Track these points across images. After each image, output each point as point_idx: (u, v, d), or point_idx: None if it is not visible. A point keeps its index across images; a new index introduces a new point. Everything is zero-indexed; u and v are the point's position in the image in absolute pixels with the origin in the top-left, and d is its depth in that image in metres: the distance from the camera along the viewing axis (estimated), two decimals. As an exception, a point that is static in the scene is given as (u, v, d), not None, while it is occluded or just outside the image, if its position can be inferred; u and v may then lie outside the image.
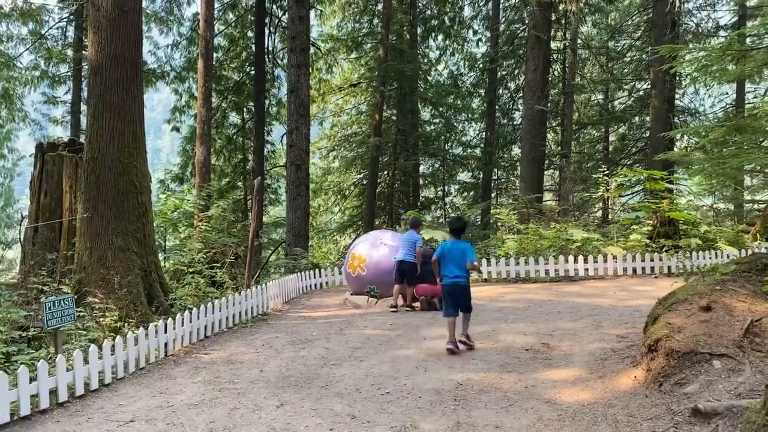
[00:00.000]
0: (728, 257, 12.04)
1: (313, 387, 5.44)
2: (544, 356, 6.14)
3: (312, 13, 22.44)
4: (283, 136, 21.53)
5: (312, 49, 20.61)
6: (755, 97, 23.11)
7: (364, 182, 25.02)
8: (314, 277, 12.25)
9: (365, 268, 9.73)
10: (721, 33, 23.53)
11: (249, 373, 5.97)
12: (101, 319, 6.94)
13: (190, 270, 9.88)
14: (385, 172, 25.21)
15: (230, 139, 24.89)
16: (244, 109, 25.02)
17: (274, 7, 23.63)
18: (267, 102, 23.90)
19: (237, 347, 7.10)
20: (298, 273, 11.87)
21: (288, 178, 17.21)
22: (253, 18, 22.90)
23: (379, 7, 24.93)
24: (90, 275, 7.72)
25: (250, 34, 23.86)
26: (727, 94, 25.10)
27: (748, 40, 10.98)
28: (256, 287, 9.22)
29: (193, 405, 5.05)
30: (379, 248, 9.82)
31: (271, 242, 22.64)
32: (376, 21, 25.63)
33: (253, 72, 23.13)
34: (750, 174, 18.12)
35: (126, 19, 8.10)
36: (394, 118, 25.19)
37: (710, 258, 12.30)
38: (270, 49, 23.29)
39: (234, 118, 25.55)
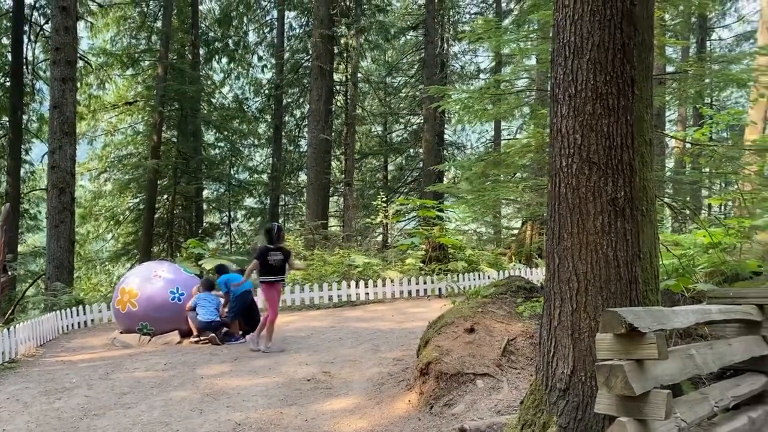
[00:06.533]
0: (489, 278, 13.31)
1: (68, 444, 4.80)
2: (326, 386, 6.14)
3: (82, 24, 20.58)
4: (44, 155, 19.22)
5: (81, 63, 18.87)
6: (509, 135, 26.20)
7: (141, 207, 23.38)
8: (77, 315, 10.97)
9: (136, 304, 8.94)
10: (482, 76, 26.44)
11: (-14, 434, 5.09)
12: None
13: None
14: (165, 197, 23.82)
15: (-21, 158, 21.61)
16: (-2, 124, 21.94)
17: (36, 14, 21.19)
18: (26, 117, 21.23)
19: (-27, 404, 6.02)
20: (58, 311, 10.54)
21: (49, 203, 15.36)
22: (9, 24, 20.29)
23: (159, 24, 23.72)
24: None
25: (5, 41, 21.09)
26: (487, 131, 28.17)
27: (502, 84, 12.41)
28: (1, 330, 7.97)
29: None
30: (153, 281, 9.11)
31: (30, 275, 20.01)
32: (155, 38, 24.31)
33: (8, 84, 20.42)
34: (506, 203, 20.40)
35: None
36: (174, 139, 23.99)
37: (474, 279, 13.50)
38: (30, 59, 20.80)
39: (-16, 134, 22.24)
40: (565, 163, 3.58)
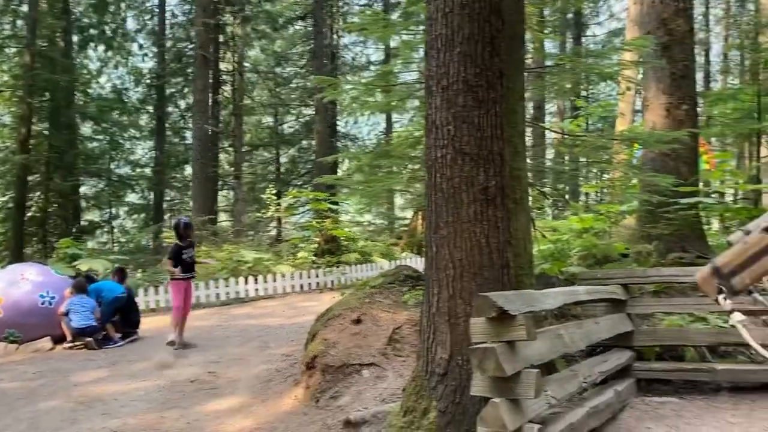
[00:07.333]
0: (381, 269, 13.44)
1: None
2: (210, 386, 5.94)
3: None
4: None
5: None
6: (401, 126, 26.54)
7: (10, 205, 21.61)
8: (-66, 325, 9.97)
9: (1, 310, 8.25)
10: (372, 67, 26.55)
11: None
12: None
13: None
14: (37, 194, 22.12)
15: None
16: None
17: None
18: None
19: None
20: None
21: None
22: None
23: (25, 8, 21.89)
24: None
25: None
26: (379, 122, 28.39)
27: (391, 77, 12.51)
28: None
29: None
30: (20, 285, 8.42)
31: None
32: (20, 23, 22.42)
33: None
34: (400, 194, 20.67)
35: None
36: (46, 132, 22.31)
37: (367, 270, 13.59)
38: None
39: None
40: (439, 154, 3.64)
